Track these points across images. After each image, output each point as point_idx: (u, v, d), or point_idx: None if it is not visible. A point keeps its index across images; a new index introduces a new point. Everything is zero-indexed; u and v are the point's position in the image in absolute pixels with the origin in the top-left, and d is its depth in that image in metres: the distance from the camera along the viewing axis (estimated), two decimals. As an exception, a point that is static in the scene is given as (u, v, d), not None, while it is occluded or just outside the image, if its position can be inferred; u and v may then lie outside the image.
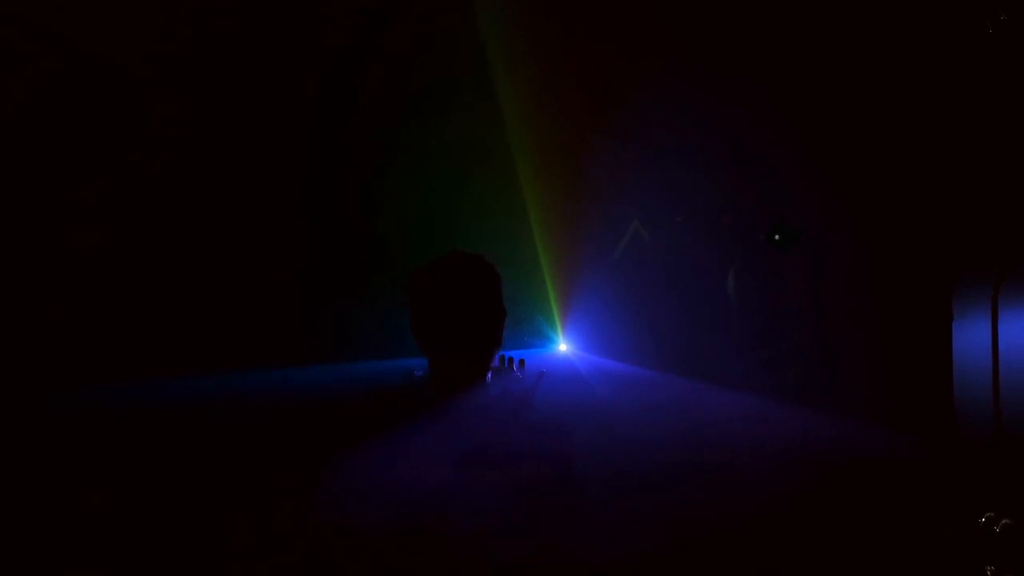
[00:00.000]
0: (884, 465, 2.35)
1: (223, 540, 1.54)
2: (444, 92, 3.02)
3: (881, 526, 2.16)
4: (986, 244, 2.03)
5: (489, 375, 1.60)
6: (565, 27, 3.03)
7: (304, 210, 2.93)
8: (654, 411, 2.72)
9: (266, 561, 1.36)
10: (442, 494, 1.36)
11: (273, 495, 1.47)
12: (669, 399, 2.86)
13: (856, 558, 2.10)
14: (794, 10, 2.67)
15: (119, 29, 2.56)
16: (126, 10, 2.55)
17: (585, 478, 1.45)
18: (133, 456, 2.22)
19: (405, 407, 1.52)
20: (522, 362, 1.71)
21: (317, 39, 2.88)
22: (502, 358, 1.67)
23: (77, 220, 2.55)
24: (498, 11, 2.99)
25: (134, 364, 2.54)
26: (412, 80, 2.99)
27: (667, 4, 2.93)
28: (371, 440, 1.43)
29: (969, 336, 2.13)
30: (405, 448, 1.41)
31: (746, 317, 3.01)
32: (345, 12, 2.90)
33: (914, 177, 2.45)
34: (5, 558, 1.86)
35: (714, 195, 3.04)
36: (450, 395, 1.52)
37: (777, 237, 2.87)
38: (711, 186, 3.02)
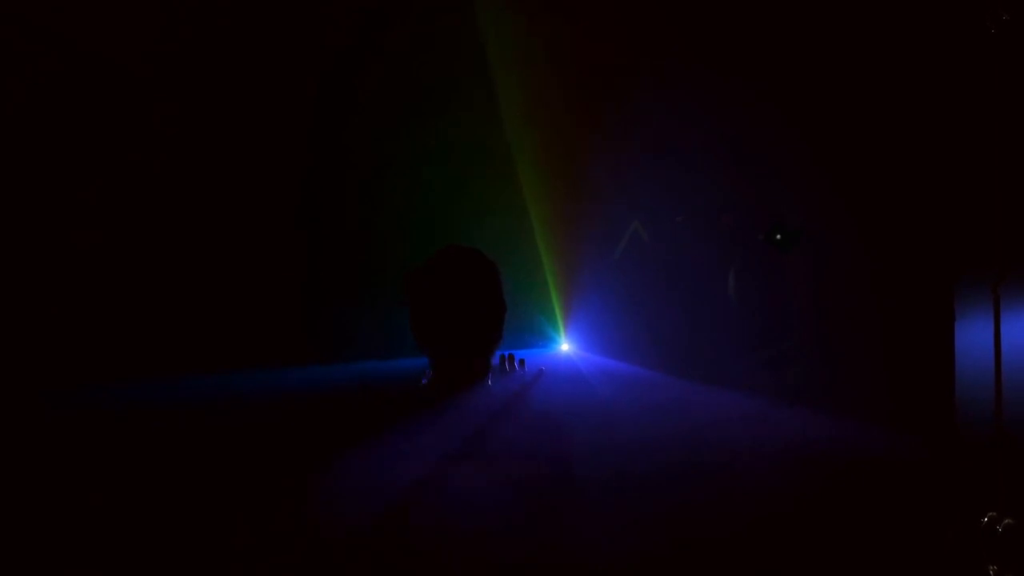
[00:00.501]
0: (884, 465, 2.35)
1: (223, 540, 1.54)
2: (444, 92, 3.02)
3: (881, 526, 2.16)
4: (986, 244, 2.03)
5: (490, 374, 1.59)
6: (565, 27, 3.02)
7: (304, 210, 2.93)
8: (655, 411, 2.72)
9: (266, 561, 1.36)
10: (442, 494, 1.36)
11: (273, 495, 1.47)
12: (670, 399, 2.86)
13: (856, 558, 2.10)
14: (794, 10, 2.67)
15: (119, 29, 2.56)
16: (126, 10, 2.55)
17: (585, 478, 1.45)
18: (133, 456, 2.22)
19: (405, 407, 1.52)
20: (522, 361, 1.70)
21: (317, 39, 2.88)
22: (502, 357, 1.66)
23: (77, 220, 2.55)
24: (498, 11, 2.99)
25: (134, 364, 2.54)
26: (412, 80, 2.99)
27: (667, 4, 2.93)
28: (371, 440, 1.43)
29: (969, 336, 2.13)
30: (405, 448, 1.41)
31: (746, 317, 3.01)
32: (345, 12, 2.89)
33: (914, 177, 2.45)
34: (5, 558, 1.86)
35: (714, 195, 3.04)
36: (451, 394, 1.51)
37: (777, 237, 2.87)
38: (711, 186, 3.02)
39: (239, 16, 2.73)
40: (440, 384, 1.53)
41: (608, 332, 3.21)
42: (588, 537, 1.37)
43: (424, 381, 1.56)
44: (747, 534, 2.18)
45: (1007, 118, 2.02)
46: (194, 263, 2.71)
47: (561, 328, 3.20)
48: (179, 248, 2.69)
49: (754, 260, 3.01)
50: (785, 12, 2.69)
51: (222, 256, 2.76)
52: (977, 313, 2.06)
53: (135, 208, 2.64)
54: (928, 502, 2.13)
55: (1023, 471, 1.93)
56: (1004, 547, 1.85)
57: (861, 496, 2.27)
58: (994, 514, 1.88)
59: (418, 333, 1.52)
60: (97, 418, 2.34)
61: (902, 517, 2.15)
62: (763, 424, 2.66)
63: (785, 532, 2.19)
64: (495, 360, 1.61)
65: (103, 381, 2.45)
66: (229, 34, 2.72)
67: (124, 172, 2.63)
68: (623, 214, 3.24)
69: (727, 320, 3.05)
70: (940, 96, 2.29)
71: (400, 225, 3.01)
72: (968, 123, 2.15)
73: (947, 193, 2.29)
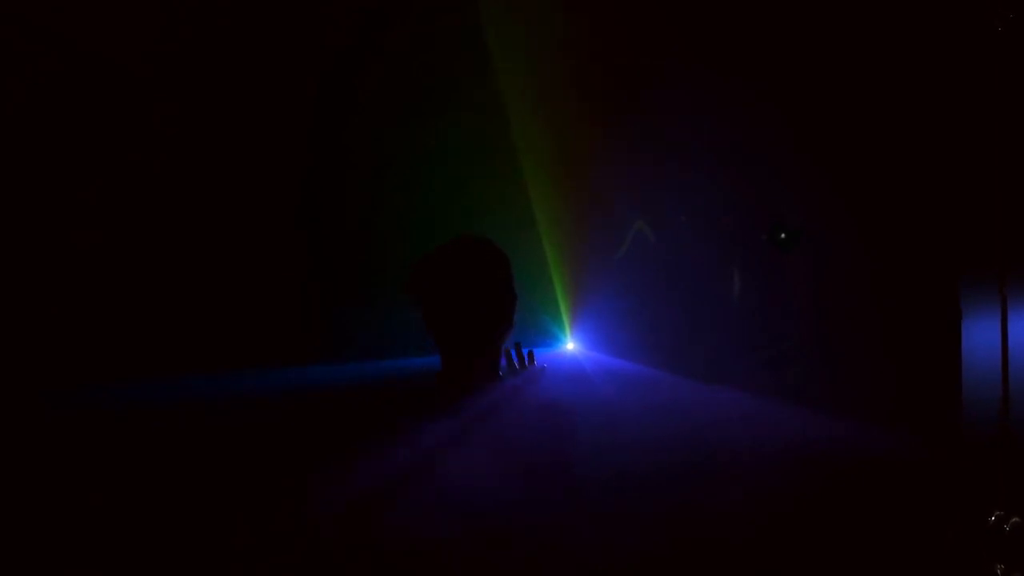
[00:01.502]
0: (884, 465, 2.35)
1: (223, 540, 1.53)
2: (444, 92, 3.02)
3: (881, 526, 2.16)
4: (989, 241, 2.03)
5: (502, 370, 1.58)
6: (569, 27, 3.02)
7: (304, 210, 2.93)
8: (656, 411, 2.72)
9: (266, 561, 1.36)
10: (443, 493, 1.36)
11: (273, 495, 1.47)
12: (671, 399, 2.86)
13: (856, 558, 2.10)
14: (795, 9, 2.67)
15: (119, 29, 2.56)
16: (126, 10, 2.55)
17: (586, 478, 1.45)
18: (133, 456, 2.22)
19: (408, 407, 1.51)
20: (531, 353, 1.69)
21: (317, 39, 2.88)
22: (508, 351, 1.65)
23: (77, 220, 2.55)
24: (499, 11, 2.99)
25: (134, 364, 2.54)
26: (412, 80, 2.99)
27: (668, 4, 2.93)
28: (372, 440, 1.43)
29: (974, 335, 2.13)
30: (406, 447, 1.41)
31: (746, 317, 3.01)
32: (345, 12, 2.89)
33: (915, 176, 2.45)
34: (5, 558, 1.86)
35: (714, 195, 3.04)
36: (459, 393, 1.50)
37: (780, 237, 2.87)
38: (711, 186, 3.02)
39: (239, 16, 2.73)
40: (446, 383, 1.52)
41: (613, 331, 3.21)
42: (588, 537, 1.37)
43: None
44: (747, 534, 2.18)
45: (1011, 116, 2.02)
46: (194, 263, 2.71)
47: (566, 327, 3.20)
48: (179, 248, 2.69)
49: (754, 260, 3.01)
50: (785, 11, 2.69)
51: (222, 256, 2.75)
52: (981, 312, 2.06)
53: (135, 208, 2.64)
54: (930, 502, 2.13)
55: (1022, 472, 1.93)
56: (1010, 546, 1.85)
57: (861, 496, 2.27)
58: (1001, 513, 1.87)
59: (429, 325, 1.51)
60: (97, 418, 2.34)
61: (903, 517, 2.15)
62: (763, 424, 2.66)
63: (785, 532, 2.18)
64: (503, 357, 1.60)
65: (103, 381, 2.45)
66: (229, 34, 2.72)
67: (124, 172, 2.63)
68: (626, 213, 3.24)
69: (727, 320, 3.05)
70: (942, 94, 2.28)
71: (400, 225, 3.01)
72: (971, 120, 2.15)
73: (950, 191, 2.28)
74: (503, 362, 1.59)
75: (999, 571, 1.83)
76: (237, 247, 2.78)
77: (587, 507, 1.42)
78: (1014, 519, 1.86)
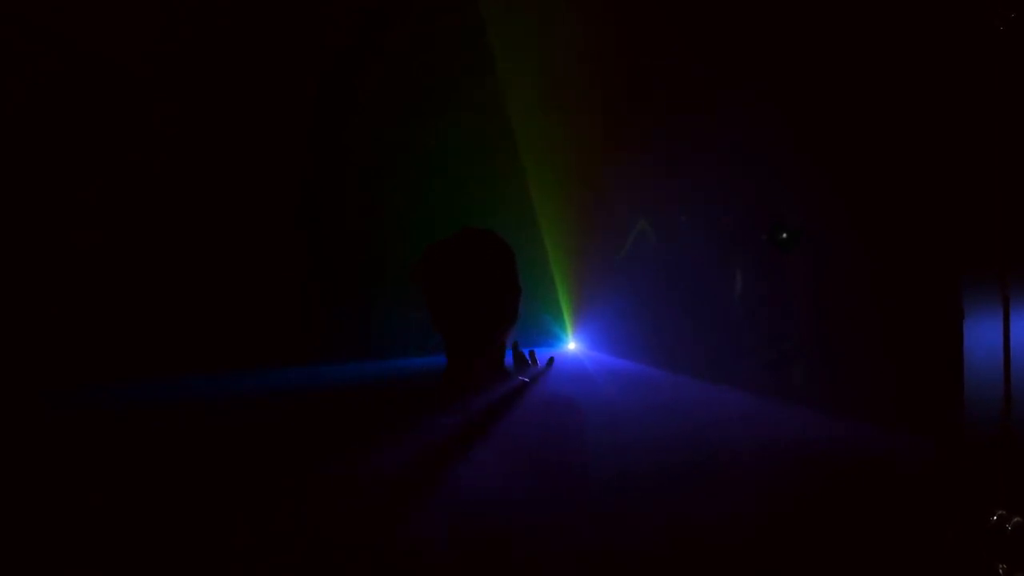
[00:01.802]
0: (884, 465, 2.35)
1: (223, 540, 1.53)
2: (444, 92, 3.02)
3: (882, 526, 2.16)
4: (988, 241, 2.03)
5: (511, 368, 1.58)
6: (571, 28, 3.03)
7: (304, 210, 2.93)
8: (657, 411, 2.72)
9: (266, 561, 1.36)
10: (443, 492, 1.35)
11: (273, 495, 1.47)
12: (672, 399, 2.86)
13: (856, 558, 2.10)
14: (795, 9, 2.67)
15: (119, 29, 2.56)
16: (126, 10, 2.55)
17: (587, 477, 1.45)
18: (133, 456, 2.21)
19: (409, 406, 1.51)
20: (532, 353, 1.70)
21: (317, 39, 2.88)
22: (515, 348, 1.65)
23: (77, 220, 2.55)
24: (499, 11, 2.99)
25: (134, 364, 2.53)
26: (412, 80, 2.99)
27: (669, 4, 2.93)
28: (372, 439, 1.43)
29: (975, 335, 2.13)
30: (406, 447, 1.41)
31: (747, 317, 3.01)
32: (345, 12, 2.90)
33: (915, 175, 2.44)
34: (5, 558, 1.86)
35: (714, 195, 3.04)
36: (461, 394, 1.50)
37: (782, 236, 2.87)
38: (711, 186, 3.02)
39: (239, 16, 2.73)
40: (448, 382, 1.52)
41: (614, 331, 3.21)
42: (588, 537, 1.37)
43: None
44: (747, 534, 2.18)
45: (1011, 115, 2.02)
46: (194, 263, 2.71)
47: (568, 327, 3.20)
48: (179, 248, 2.69)
49: (754, 260, 3.01)
50: (785, 11, 2.69)
51: (222, 256, 2.75)
52: (983, 311, 2.05)
53: (135, 208, 2.64)
54: (931, 502, 2.13)
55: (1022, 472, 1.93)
56: (1012, 546, 1.85)
57: (861, 496, 2.27)
58: (1003, 512, 1.87)
59: (435, 318, 1.50)
60: (97, 418, 2.34)
61: (904, 517, 2.15)
62: (764, 424, 2.66)
63: (785, 532, 2.18)
64: (509, 356, 1.60)
65: (103, 381, 2.45)
66: (229, 34, 2.72)
67: (124, 172, 2.63)
68: (627, 214, 3.25)
69: (728, 320, 3.05)
70: (942, 94, 2.28)
71: (400, 225, 3.01)
72: (971, 120, 2.15)
73: (951, 190, 2.28)
74: (509, 360, 1.59)
75: (1001, 571, 1.83)
76: (237, 247, 2.78)
77: (588, 507, 1.42)
78: (1016, 519, 1.86)
